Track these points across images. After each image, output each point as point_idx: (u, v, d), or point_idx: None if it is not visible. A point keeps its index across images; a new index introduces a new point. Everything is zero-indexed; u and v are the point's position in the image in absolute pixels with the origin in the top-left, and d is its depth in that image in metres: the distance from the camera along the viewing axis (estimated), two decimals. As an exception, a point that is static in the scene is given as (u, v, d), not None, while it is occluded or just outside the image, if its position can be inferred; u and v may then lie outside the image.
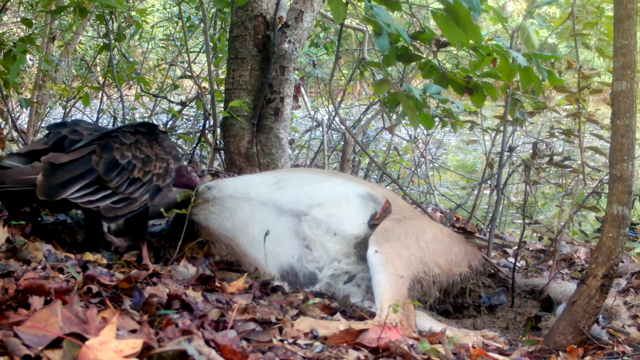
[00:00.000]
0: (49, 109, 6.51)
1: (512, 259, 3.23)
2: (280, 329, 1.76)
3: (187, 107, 5.28)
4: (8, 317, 1.28)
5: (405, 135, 6.11)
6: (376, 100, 5.09)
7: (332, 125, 5.50)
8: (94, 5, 3.95)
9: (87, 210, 2.19)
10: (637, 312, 2.49)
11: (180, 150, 2.62)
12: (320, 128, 5.39)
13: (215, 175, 3.64)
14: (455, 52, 4.43)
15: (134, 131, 2.37)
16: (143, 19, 5.11)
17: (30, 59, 6.61)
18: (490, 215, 3.55)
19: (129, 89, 6.63)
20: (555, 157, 2.96)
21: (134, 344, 1.19)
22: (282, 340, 1.67)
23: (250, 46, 3.64)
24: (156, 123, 5.66)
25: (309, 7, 3.61)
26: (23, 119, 6.41)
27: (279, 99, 3.65)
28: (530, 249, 3.76)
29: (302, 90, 5.59)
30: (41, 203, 2.17)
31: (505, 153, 3.05)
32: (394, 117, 3.93)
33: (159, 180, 2.36)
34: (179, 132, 5.61)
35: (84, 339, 1.18)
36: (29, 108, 5.50)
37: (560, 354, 1.94)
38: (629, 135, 1.95)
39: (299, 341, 1.71)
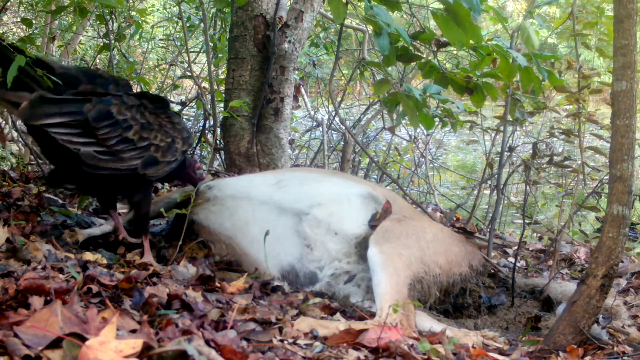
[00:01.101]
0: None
1: (512, 259, 3.23)
2: (280, 329, 1.76)
3: (187, 107, 5.28)
4: (8, 317, 1.28)
5: (405, 135, 6.10)
6: (376, 100, 5.08)
7: (332, 125, 5.49)
8: (94, 5, 3.94)
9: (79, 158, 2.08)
10: (637, 312, 2.49)
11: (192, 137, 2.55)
12: (320, 128, 5.39)
13: (215, 175, 3.64)
14: (455, 52, 4.43)
15: (140, 96, 2.31)
16: (143, 19, 5.11)
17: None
18: (490, 215, 3.55)
19: (129, 89, 6.60)
20: (555, 157, 2.96)
21: (134, 344, 1.19)
22: (282, 340, 1.67)
23: (250, 46, 3.64)
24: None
25: (309, 7, 3.61)
26: (23, 119, 6.39)
27: (279, 99, 3.65)
28: (530, 249, 3.76)
29: (302, 90, 5.59)
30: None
31: (505, 153, 3.05)
32: (395, 117, 3.93)
33: (158, 152, 2.25)
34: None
35: (84, 339, 1.18)
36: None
37: (560, 354, 1.94)
38: (629, 135, 1.95)
39: (299, 341, 1.71)
